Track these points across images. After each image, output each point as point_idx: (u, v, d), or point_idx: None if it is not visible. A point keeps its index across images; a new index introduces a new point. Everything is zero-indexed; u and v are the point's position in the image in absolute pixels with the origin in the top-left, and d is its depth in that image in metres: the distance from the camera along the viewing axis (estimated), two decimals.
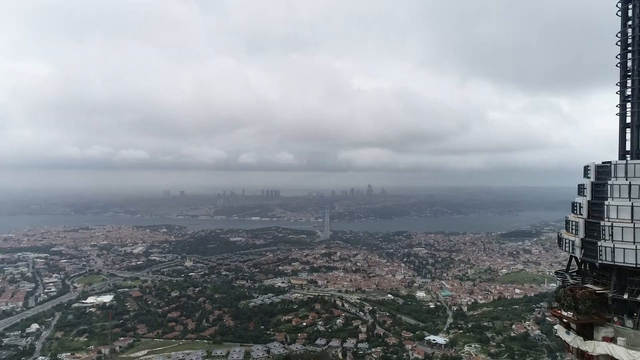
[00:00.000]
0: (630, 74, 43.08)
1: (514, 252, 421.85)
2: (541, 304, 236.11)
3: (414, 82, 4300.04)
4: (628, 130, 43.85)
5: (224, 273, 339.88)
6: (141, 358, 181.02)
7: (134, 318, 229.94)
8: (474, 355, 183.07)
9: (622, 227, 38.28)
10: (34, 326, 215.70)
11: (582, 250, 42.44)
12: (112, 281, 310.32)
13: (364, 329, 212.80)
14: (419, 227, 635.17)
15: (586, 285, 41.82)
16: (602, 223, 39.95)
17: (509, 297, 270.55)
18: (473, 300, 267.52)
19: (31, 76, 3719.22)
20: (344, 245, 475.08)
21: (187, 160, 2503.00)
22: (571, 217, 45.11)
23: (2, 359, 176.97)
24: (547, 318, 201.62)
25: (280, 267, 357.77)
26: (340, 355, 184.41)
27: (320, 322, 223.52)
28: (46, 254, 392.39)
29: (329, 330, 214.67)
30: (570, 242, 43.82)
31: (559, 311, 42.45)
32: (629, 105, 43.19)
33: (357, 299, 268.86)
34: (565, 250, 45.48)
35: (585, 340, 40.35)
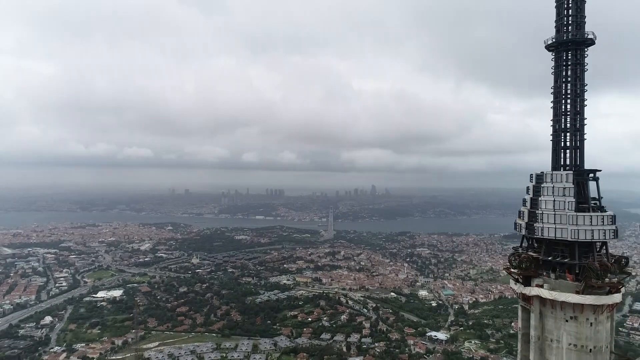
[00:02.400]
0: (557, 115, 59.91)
1: None
2: None
3: (413, 84, 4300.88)
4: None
5: (230, 270, 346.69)
6: (153, 349, 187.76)
7: (144, 312, 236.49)
8: (473, 351, 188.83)
9: (548, 214, 58.41)
10: (48, 318, 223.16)
11: (526, 230, 61.61)
12: (121, 277, 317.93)
13: (367, 325, 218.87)
14: (423, 227, 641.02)
15: (528, 252, 61.52)
16: (537, 211, 59.73)
17: (509, 297, 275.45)
18: (474, 299, 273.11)
19: (36, 75, 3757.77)
20: (348, 244, 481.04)
21: (191, 159, 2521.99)
22: (522, 208, 63.32)
23: (20, 349, 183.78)
24: None
25: (285, 265, 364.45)
26: (344, 349, 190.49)
27: (325, 318, 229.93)
28: (55, 250, 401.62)
29: (334, 325, 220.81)
30: (520, 225, 62.76)
31: (510, 269, 62.97)
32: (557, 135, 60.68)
33: (361, 296, 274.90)
34: (517, 231, 64.11)
35: (525, 286, 60.51)
